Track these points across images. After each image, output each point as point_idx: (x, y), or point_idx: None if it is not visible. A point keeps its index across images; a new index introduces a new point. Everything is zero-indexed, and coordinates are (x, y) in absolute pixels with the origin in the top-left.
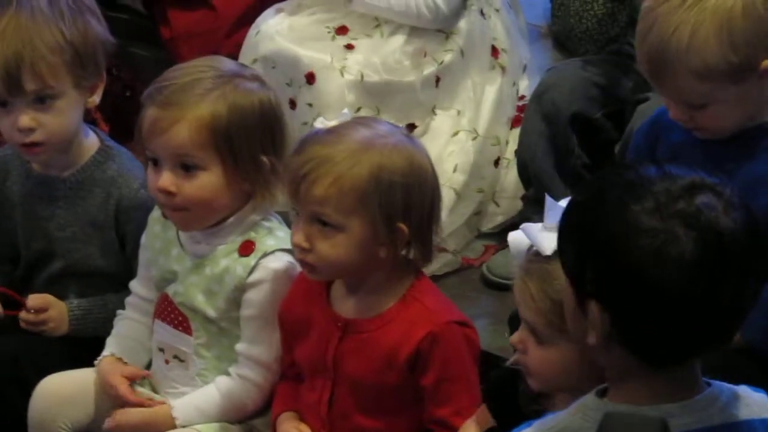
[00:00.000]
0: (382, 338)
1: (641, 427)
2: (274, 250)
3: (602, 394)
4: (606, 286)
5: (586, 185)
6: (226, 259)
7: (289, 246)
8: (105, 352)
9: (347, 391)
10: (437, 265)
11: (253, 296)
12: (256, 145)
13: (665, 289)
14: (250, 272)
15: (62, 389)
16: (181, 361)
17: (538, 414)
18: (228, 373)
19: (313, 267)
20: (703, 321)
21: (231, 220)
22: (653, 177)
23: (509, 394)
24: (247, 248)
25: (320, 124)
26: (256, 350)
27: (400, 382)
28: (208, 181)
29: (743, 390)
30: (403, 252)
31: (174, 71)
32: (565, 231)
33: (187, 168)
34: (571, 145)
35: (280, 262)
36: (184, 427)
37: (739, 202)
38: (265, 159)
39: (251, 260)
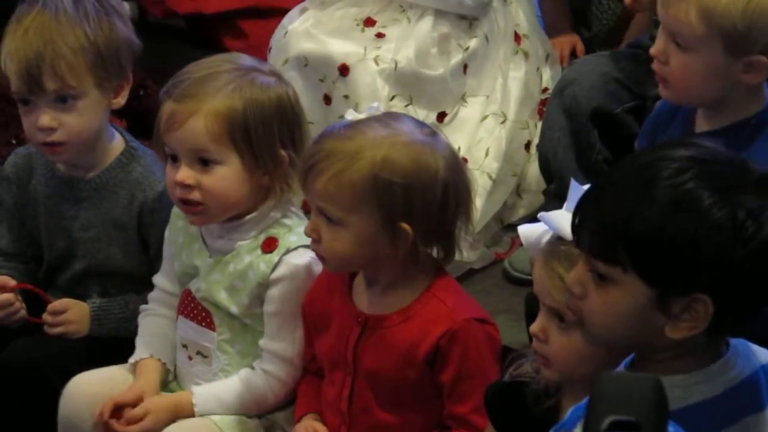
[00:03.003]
0: (401, 334)
1: (635, 385)
2: (297, 246)
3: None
4: (704, 278)
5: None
6: (249, 256)
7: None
8: (143, 354)
9: (366, 386)
10: (474, 256)
11: (275, 292)
12: (273, 139)
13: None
14: (273, 269)
15: (92, 388)
16: (204, 357)
17: (549, 411)
18: (252, 368)
19: (323, 258)
20: None
21: (252, 215)
22: (724, 162)
23: (509, 405)
24: (270, 245)
25: (350, 115)
26: (279, 346)
27: (418, 378)
28: (226, 175)
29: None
30: (426, 250)
31: (192, 66)
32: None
33: (205, 163)
34: (593, 140)
35: (302, 258)
36: (201, 416)
37: None
38: (283, 153)
39: (274, 257)
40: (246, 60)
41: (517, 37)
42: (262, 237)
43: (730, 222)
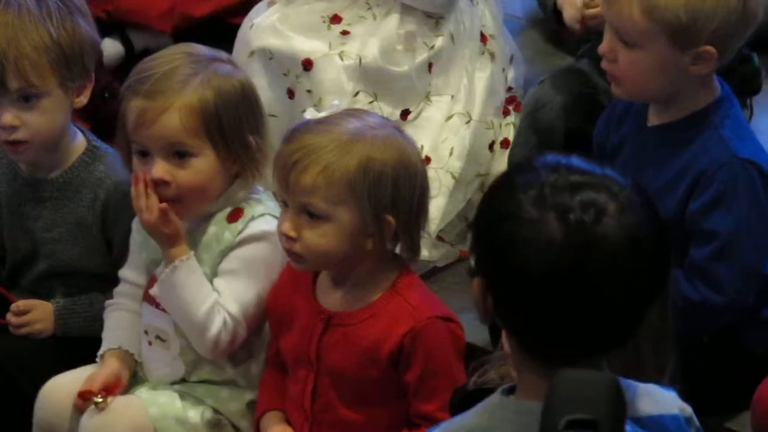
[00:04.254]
0: (364, 332)
1: (592, 384)
2: (262, 213)
3: (508, 392)
4: (485, 263)
5: (508, 166)
6: (214, 227)
7: (277, 213)
8: (111, 345)
9: (330, 383)
10: (437, 255)
11: (235, 253)
12: (242, 126)
13: (529, 272)
14: (238, 235)
15: (68, 389)
16: (163, 341)
17: None
18: None
19: (300, 256)
20: (574, 317)
21: (219, 200)
22: (550, 167)
23: None
24: (235, 215)
25: (310, 114)
26: (230, 304)
27: (382, 376)
28: (201, 167)
29: (652, 387)
30: (390, 246)
31: (149, 62)
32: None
33: (180, 155)
34: None
35: (268, 225)
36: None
37: (639, 205)
38: (252, 139)
39: (239, 225)
40: (202, 50)
41: (483, 38)
42: (228, 210)
43: None
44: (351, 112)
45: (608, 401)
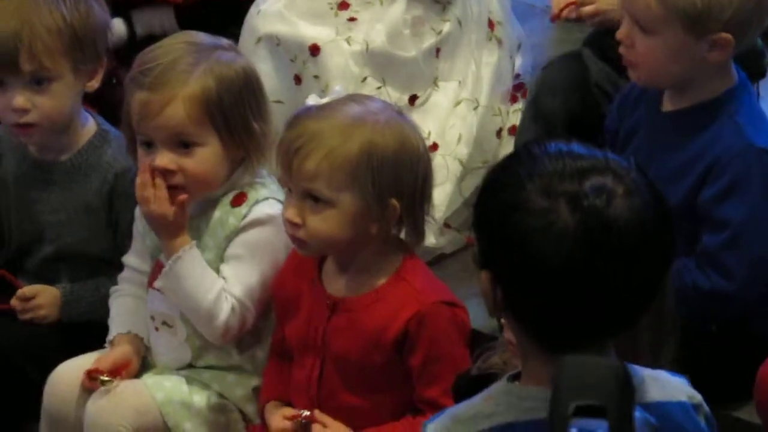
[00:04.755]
0: (369, 317)
1: (600, 370)
2: (266, 197)
3: (513, 379)
4: (493, 256)
5: (504, 157)
6: (218, 211)
7: (281, 197)
8: (120, 330)
9: (335, 369)
10: (444, 242)
11: (241, 238)
12: (246, 113)
13: (545, 263)
14: (242, 219)
15: (77, 376)
16: (170, 327)
17: None
18: None
19: (304, 242)
20: (587, 304)
21: (223, 185)
22: (553, 155)
23: None
24: (239, 199)
25: (312, 100)
26: (236, 289)
27: (386, 361)
28: (207, 155)
29: (660, 373)
30: (394, 231)
31: (151, 52)
32: (476, 198)
33: (185, 145)
34: None
35: (272, 208)
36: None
37: (645, 187)
38: (255, 125)
39: (243, 209)
40: (204, 37)
41: (490, 24)
42: (232, 194)
43: None
44: (353, 98)
45: (616, 387)
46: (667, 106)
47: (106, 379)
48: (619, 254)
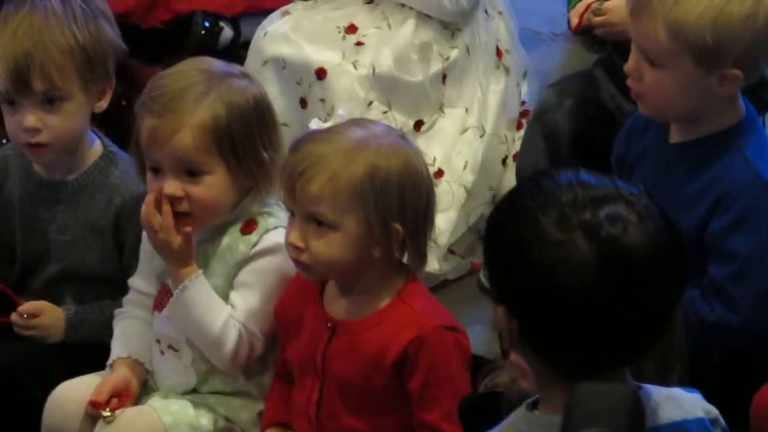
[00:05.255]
0: (370, 340)
1: (611, 397)
2: (276, 226)
3: (533, 407)
4: (511, 290)
5: (511, 190)
6: (227, 238)
7: None
8: (121, 353)
9: (335, 391)
10: (448, 268)
11: (251, 266)
12: (255, 142)
13: (566, 294)
14: (253, 247)
15: (77, 396)
16: (176, 350)
17: None
18: None
19: (308, 266)
20: (607, 332)
21: (233, 213)
22: (564, 186)
23: (484, 416)
24: (249, 226)
25: (315, 124)
26: (244, 316)
27: (387, 383)
28: (214, 183)
29: (675, 391)
30: (397, 255)
31: (163, 78)
32: (486, 233)
33: (192, 173)
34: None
35: (281, 237)
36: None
37: (656, 213)
38: (265, 154)
39: (254, 237)
40: (216, 64)
41: (498, 52)
42: (241, 221)
43: None
44: (356, 121)
45: (626, 413)
46: (674, 137)
47: (107, 414)
48: (637, 281)
